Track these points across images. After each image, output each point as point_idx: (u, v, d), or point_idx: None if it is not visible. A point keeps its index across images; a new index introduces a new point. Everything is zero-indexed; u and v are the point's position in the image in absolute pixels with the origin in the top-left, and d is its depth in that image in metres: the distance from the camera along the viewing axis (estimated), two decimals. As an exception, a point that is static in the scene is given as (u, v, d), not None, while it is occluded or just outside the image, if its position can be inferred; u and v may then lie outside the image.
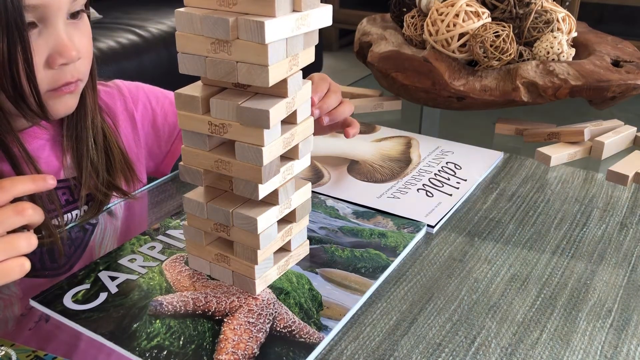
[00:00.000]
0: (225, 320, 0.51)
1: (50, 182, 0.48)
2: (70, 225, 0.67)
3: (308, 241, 0.59)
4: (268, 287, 0.55)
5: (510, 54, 0.83)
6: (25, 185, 0.47)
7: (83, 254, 0.63)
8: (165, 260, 0.59)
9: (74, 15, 0.60)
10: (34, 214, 0.46)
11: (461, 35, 0.86)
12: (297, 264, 0.58)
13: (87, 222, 0.68)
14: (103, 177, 0.69)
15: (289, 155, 0.52)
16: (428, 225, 0.65)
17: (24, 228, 0.47)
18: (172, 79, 0.97)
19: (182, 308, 0.52)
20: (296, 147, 0.51)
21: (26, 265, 0.46)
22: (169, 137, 0.81)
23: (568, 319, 0.52)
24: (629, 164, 0.77)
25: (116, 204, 0.72)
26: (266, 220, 0.50)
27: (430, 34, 0.88)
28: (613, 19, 2.75)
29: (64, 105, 0.62)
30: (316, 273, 0.57)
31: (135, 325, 0.50)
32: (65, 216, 0.69)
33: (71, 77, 0.60)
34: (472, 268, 0.59)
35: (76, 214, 0.70)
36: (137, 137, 0.78)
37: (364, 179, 0.75)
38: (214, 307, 0.52)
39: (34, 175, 0.48)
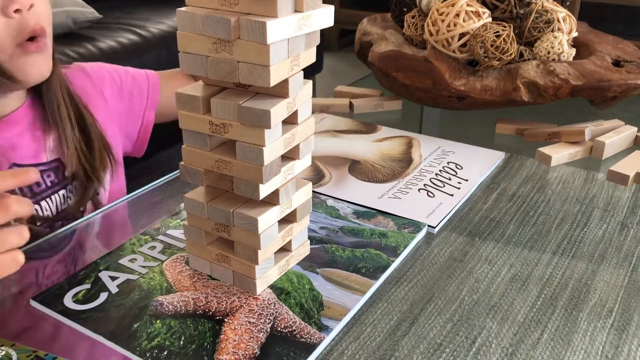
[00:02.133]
0: (225, 320, 0.51)
1: (32, 176, 0.48)
2: (64, 228, 0.67)
3: (309, 241, 0.59)
4: (269, 287, 0.55)
5: (510, 54, 0.83)
6: (5, 181, 0.47)
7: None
8: (165, 260, 0.59)
9: None
10: (19, 208, 0.46)
11: (462, 35, 0.85)
12: (297, 264, 0.58)
13: (77, 210, 0.69)
14: (85, 155, 0.70)
15: (290, 155, 0.52)
16: (429, 226, 0.65)
17: (16, 221, 0.47)
18: (172, 78, 0.96)
19: (183, 308, 0.52)
20: (297, 147, 0.51)
21: (19, 258, 0.46)
22: (138, 112, 0.83)
23: (569, 319, 0.52)
24: (630, 164, 0.77)
25: (115, 205, 0.71)
26: (267, 220, 0.50)
27: (431, 34, 0.87)
28: (613, 19, 2.75)
29: (37, 67, 0.63)
30: (317, 273, 0.57)
31: (135, 325, 0.50)
32: (52, 197, 0.70)
33: (35, 23, 0.60)
34: (472, 268, 0.59)
35: (63, 194, 0.70)
36: (110, 114, 0.80)
37: (365, 179, 0.75)
38: (214, 307, 0.52)
39: (14, 171, 0.48)
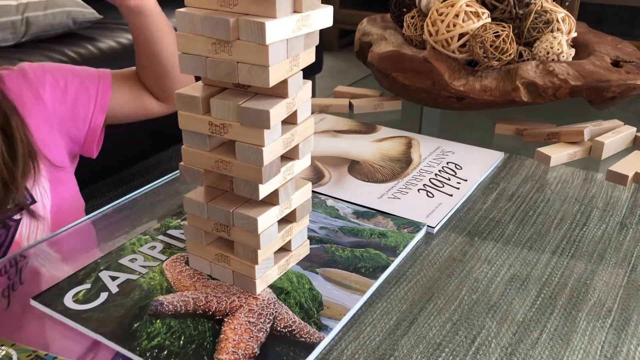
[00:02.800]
0: (225, 320, 0.51)
1: None
2: (64, 228, 0.67)
3: (308, 241, 0.59)
4: (268, 286, 0.55)
5: (510, 54, 0.83)
6: None
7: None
8: (165, 260, 0.59)
9: None
10: None
11: (461, 36, 0.86)
12: (297, 264, 0.58)
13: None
14: (5, 161, 0.67)
15: (289, 155, 0.52)
16: (428, 226, 0.65)
17: None
18: (172, 79, 0.96)
19: (183, 308, 0.52)
20: (296, 147, 0.51)
21: None
22: (84, 116, 0.80)
23: (568, 318, 0.52)
24: (629, 164, 0.78)
25: (108, 209, 0.72)
26: (266, 220, 0.50)
27: (430, 34, 0.88)
28: (613, 19, 2.76)
29: None
30: (316, 273, 0.57)
31: (135, 325, 0.50)
32: None
33: None
34: (472, 268, 0.59)
35: None
36: (49, 119, 0.77)
37: (364, 179, 0.76)
38: (214, 307, 0.52)
39: None
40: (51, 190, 0.76)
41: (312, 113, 0.53)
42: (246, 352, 0.47)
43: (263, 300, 0.53)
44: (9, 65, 0.77)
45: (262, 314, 0.51)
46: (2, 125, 0.67)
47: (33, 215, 0.72)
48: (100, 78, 0.83)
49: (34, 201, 0.73)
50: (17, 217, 0.70)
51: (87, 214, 0.72)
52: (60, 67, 0.82)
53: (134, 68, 0.89)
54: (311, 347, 0.48)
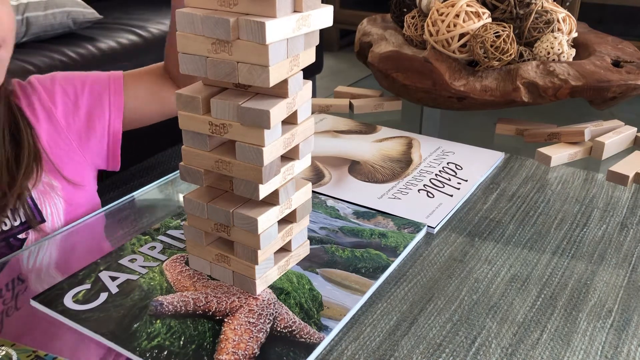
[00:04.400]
0: (225, 320, 0.51)
1: None
2: (64, 228, 0.67)
3: (308, 241, 0.59)
4: (268, 287, 0.55)
5: (510, 54, 0.83)
6: None
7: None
8: (165, 260, 0.59)
9: None
10: None
11: (461, 36, 0.86)
12: (297, 264, 0.58)
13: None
14: (9, 163, 0.65)
15: (289, 156, 0.52)
16: (429, 226, 0.65)
17: None
18: (172, 79, 0.96)
19: (183, 308, 0.52)
20: (297, 147, 0.51)
21: None
22: (102, 125, 0.76)
23: (568, 319, 0.52)
24: (629, 164, 0.77)
25: (108, 209, 0.71)
26: (266, 220, 0.50)
27: (431, 34, 0.88)
28: (613, 19, 2.76)
29: None
30: (316, 273, 0.57)
31: (135, 325, 0.50)
32: None
33: None
34: (472, 268, 0.59)
35: None
36: (66, 136, 0.74)
37: (364, 179, 0.76)
38: (214, 307, 0.52)
39: None
40: (65, 211, 0.73)
41: (312, 113, 0.53)
42: (246, 352, 0.47)
43: (263, 300, 0.53)
44: (19, 79, 0.74)
45: (262, 314, 0.51)
46: (12, 130, 0.66)
47: (40, 235, 0.68)
48: (111, 82, 0.79)
49: (42, 220, 0.70)
50: (22, 236, 0.67)
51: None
52: (69, 77, 0.78)
53: (150, 66, 0.85)
54: (311, 347, 0.48)
